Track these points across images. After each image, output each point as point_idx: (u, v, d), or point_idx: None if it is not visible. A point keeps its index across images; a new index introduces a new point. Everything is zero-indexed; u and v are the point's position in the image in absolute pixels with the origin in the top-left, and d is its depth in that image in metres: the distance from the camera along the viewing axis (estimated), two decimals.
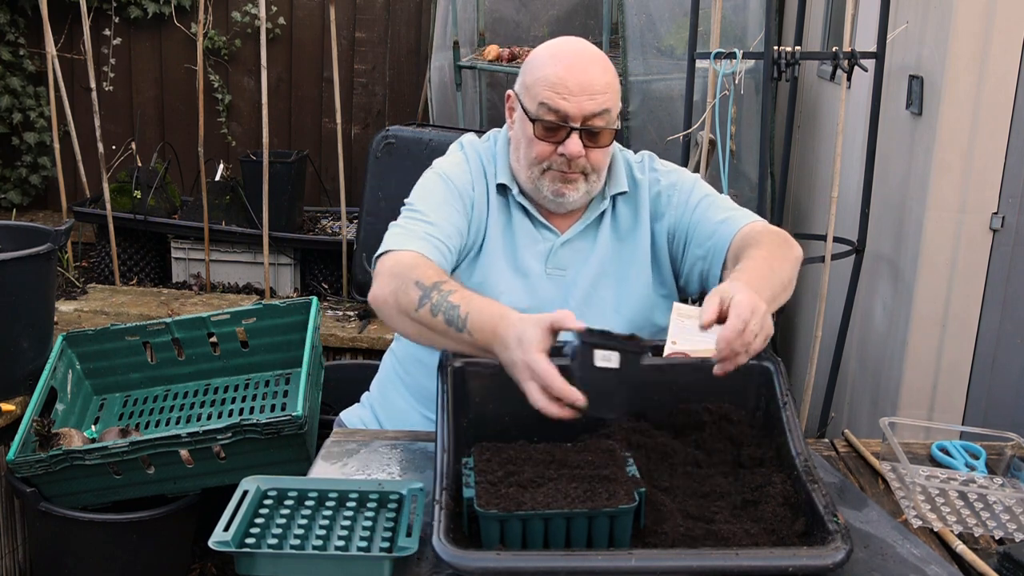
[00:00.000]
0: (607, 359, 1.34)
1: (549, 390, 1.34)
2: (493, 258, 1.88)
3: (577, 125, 1.78)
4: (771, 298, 1.57)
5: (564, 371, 1.34)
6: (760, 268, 1.62)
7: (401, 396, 1.97)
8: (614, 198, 1.92)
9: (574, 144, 1.78)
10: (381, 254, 1.75)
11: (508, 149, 1.92)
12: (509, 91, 1.91)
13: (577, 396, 1.33)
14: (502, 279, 1.88)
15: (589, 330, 1.34)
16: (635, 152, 2.01)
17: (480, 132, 2.08)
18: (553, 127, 1.79)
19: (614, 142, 1.93)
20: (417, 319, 1.59)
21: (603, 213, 1.92)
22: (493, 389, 1.56)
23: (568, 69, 1.78)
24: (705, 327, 1.41)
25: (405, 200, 1.87)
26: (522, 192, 1.90)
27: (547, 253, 1.90)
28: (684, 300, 1.91)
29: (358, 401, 2.11)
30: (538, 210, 1.90)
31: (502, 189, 1.91)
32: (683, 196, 1.92)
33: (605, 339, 1.34)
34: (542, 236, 1.91)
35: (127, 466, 2.36)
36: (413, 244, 1.73)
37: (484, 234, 1.89)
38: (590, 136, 1.80)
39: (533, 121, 1.80)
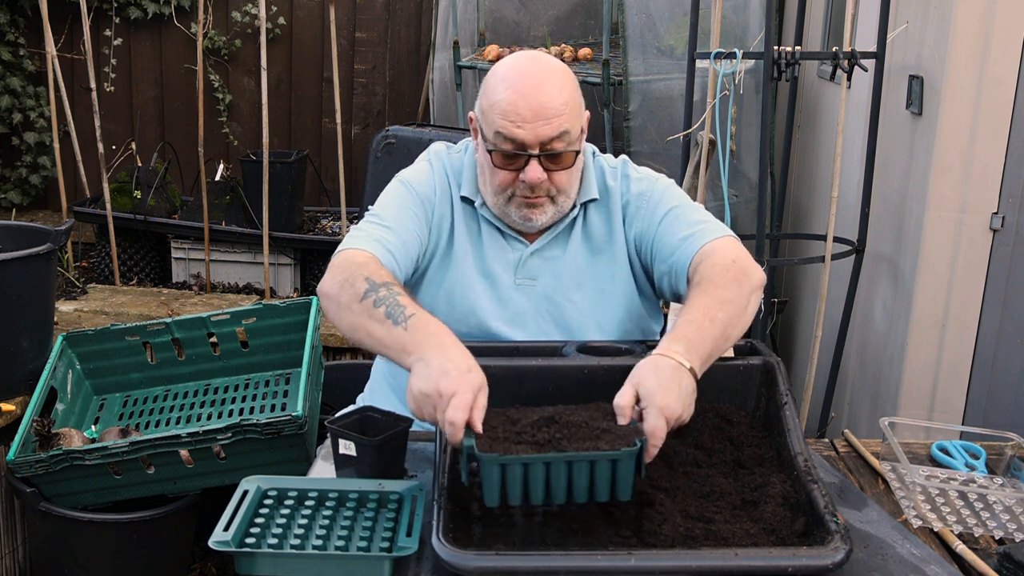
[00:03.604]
0: (347, 447, 1.49)
1: (455, 418, 1.34)
2: (463, 265, 1.88)
3: (535, 152, 1.75)
4: (708, 354, 1.53)
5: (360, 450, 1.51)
6: (700, 323, 1.55)
7: (389, 399, 1.97)
8: (585, 205, 1.90)
9: (534, 171, 1.76)
10: (338, 252, 1.75)
11: (475, 164, 1.91)
12: (471, 113, 1.88)
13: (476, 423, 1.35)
14: (474, 286, 1.87)
15: (331, 420, 1.54)
16: (618, 156, 1.99)
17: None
18: (511, 155, 1.76)
19: (589, 147, 1.91)
20: (357, 310, 1.57)
21: (573, 221, 1.90)
22: (493, 389, 1.56)
23: (519, 94, 1.73)
24: (625, 421, 1.40)
25: (369, 207, 1.88)
26: (486, 206, 1.88)
27: (516, 263, 1.89)
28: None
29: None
30: (505, 224, 1.89)
31: (466, 200, 1.90)
32: (650, 208, 1.87)
33: (345, 430, 1.51)
34: (511, 247, 1.90)
35: (127, 466, 2.36)
36: (366, 245, 1.74)
37: (451, 240, 1.89)
38: (551, 159, 1.76)
39: (491, 152, 1.78)
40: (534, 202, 1.81)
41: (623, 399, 1.41)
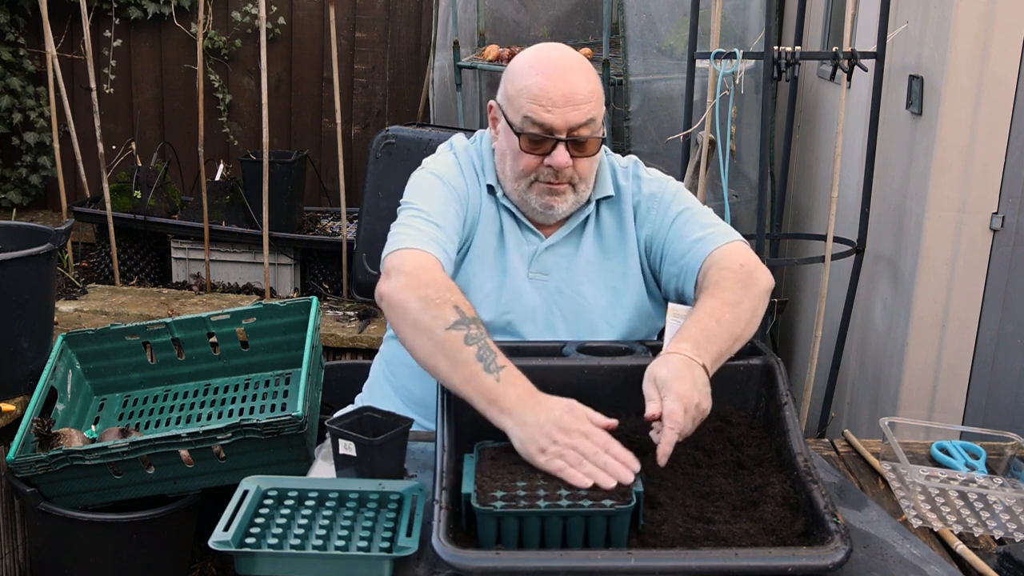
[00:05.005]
0: (347, 447, 1.50)
1: (608, 449, 1.38)
2: (481, 258, 1.88)
3: (563, 136, 1.76)
4: (717, 353, 1.55)
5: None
6: (706, 324, 1.58)
7: (388, 399, 1.97)
8: (598, 203, 1.91)
9: (561, 156, 1.77)
10: (396, 250, 1.70)
11: (493, 153, 1.91)
12: (491, 102, 1.89)
13: (633, 461, 1.38)
14: (488, 280, 1.87)
15: (331, 420, 1.54)
16: (624, 156, 2.00)
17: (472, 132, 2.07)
18: (538, 139, 1.77)
19: (602, 147, 1.92)
20: (441, 338, 1.53)
21: (587, 218, 1.90)
22: None
23: (550, 79, 1.75)
24: (649, 420, 1.43)
25: (402, 200, 1.85)
26: (507, 195, 1.89)
27: (530, 256, 1.89)
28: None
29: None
30: (523, 214, 1.89)
31: (490, 189, 1.90)
32: (661, 209, 1.89)
33: (345, 430, 1.51)
34: (526, 239, 1.90)
35: (127, 466, 2.36)
36: (428, 246, 1.70)
37: (474, 234, 1.89)
38: (576, 146, 1.78)
39: (518, 135, 1.78)
40: (556, 188, 1.81)
41: (651, 394, 1.45)
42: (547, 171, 1.79)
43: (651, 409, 1.43)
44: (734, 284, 1.69)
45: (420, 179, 1.88)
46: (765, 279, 1.74)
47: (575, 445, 1.38)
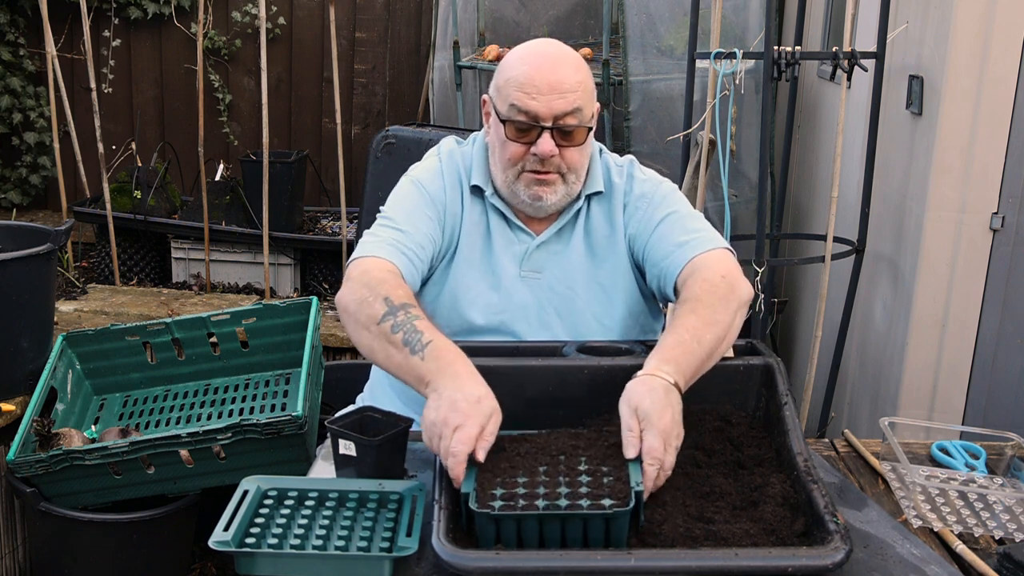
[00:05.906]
0: (347, 447, 1.51)
1: (457, 451, 1.36)
2: (468, 261, 1.88)
3: (548, 124, 1.77)
4: (693, 374, 1.54)
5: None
6: (688, 345, 1.55)
7: (389, 398, 1.97)
8: (589, 198, 1.91)
9: (545, 143, 1.77)
10: (351, 260, 1.76)
11: (485, 152, 1.92)
12: (484, 96, 1.90)
13: (457, 480, 1.36)
14: (478, 282, 1.87)
15: (331, 420, 1.54)
16: (622, 155, 2.00)
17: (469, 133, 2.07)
18: (524, 127, 1.78)
19: (596, 144, 1.92)
20: (375, 332, 1.58)
21: (577, 213, 1.90)
22: (494, 389, 1.56)
23: (537, 69, 1.77)
24: (632, 458, 1.40)
25: (380, 208, 1.88)
26: (497, 194, 1.89)
27: (522, 255, 1.89)
28: None
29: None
30: (513, 212, 1.89)
31: (477, 191, 1.90)
32: (649, 210, 1.88)
33: (345, 430, 1.51)
34: (517, 238, 1.90)
35: (127, 466, 2.36)
36: (382, 251, 1.75)
37: (458, 238, 1.89)
38: (562, 135, 1.78)
39: (504, 123, 1.80)
40: (544, 179, 1.81)
41: (631, 425, 1.42)
42: (533, 160, 1.80)
43: (629, 453, 1.40)
44: (715, 300, 1.66)
45: (399, 187, 1.92)
46: (746, 291, 1.71)
47: (443, 435, 1.39)
